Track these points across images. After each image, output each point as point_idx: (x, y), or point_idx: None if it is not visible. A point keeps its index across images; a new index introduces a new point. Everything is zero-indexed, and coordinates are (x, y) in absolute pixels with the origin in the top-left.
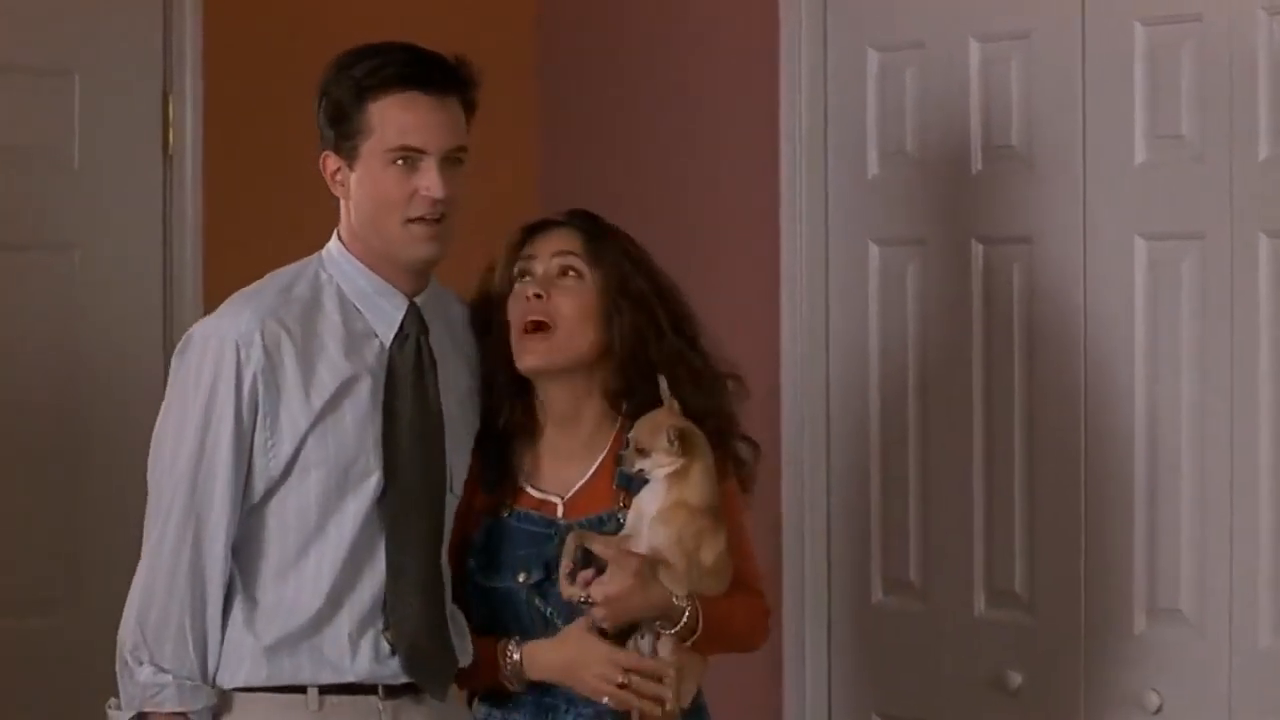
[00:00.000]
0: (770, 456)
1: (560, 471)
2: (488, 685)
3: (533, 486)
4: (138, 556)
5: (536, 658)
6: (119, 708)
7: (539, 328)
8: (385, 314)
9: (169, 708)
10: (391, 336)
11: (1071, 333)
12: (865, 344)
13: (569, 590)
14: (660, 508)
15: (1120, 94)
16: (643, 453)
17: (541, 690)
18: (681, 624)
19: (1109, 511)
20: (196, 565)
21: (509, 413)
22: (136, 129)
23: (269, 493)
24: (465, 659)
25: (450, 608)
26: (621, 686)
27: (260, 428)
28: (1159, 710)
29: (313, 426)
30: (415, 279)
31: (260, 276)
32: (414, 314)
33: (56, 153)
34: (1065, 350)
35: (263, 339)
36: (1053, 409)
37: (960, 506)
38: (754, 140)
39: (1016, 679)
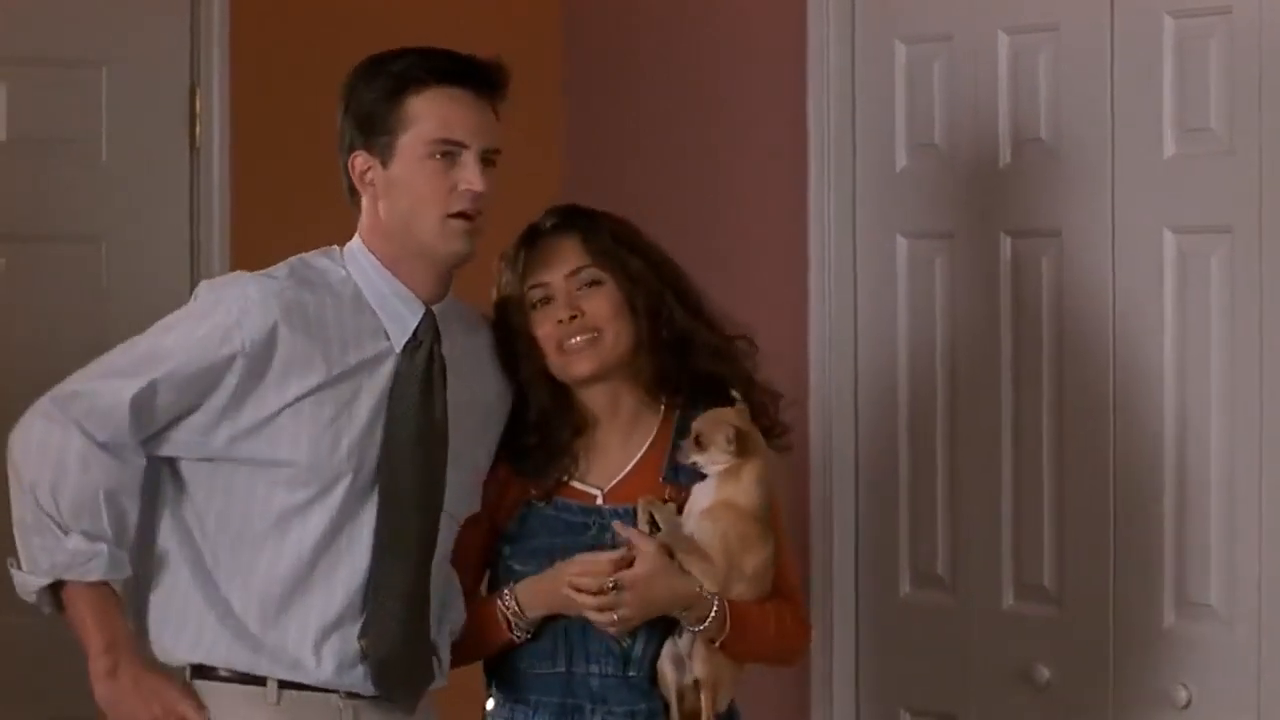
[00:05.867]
0: (798, 451)
1: (602, 464)
2: (499, 645)
3: (575, 480)
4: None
5: (529, 590)
6: (20, 569)
7: (590, 344)
8: (400, 318)
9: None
10: (404, 342)
11: (1100, 326)
12: (893, 338)
13: (597, 566)
14: (708, 505)
15: (1149, 87)
16: (700, 446)
17: (565, 691)
18: (709, 620)
19: (1138, 505)
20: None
21: (548, 415)
22: (164, 122)
23: (221, 460)
24: (442, 679)
25: (439, 624)
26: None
27: (224, 393)
28: (1188, 705)
29: (280, 413)
30: (436, 286)
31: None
32: (429, 321)
33: (84, 145)
34: (1094, 344)
35: (264, 319)
36: (1081, 402)
37: (989, 500)
38: (782, 134)
39: (1045, 673)
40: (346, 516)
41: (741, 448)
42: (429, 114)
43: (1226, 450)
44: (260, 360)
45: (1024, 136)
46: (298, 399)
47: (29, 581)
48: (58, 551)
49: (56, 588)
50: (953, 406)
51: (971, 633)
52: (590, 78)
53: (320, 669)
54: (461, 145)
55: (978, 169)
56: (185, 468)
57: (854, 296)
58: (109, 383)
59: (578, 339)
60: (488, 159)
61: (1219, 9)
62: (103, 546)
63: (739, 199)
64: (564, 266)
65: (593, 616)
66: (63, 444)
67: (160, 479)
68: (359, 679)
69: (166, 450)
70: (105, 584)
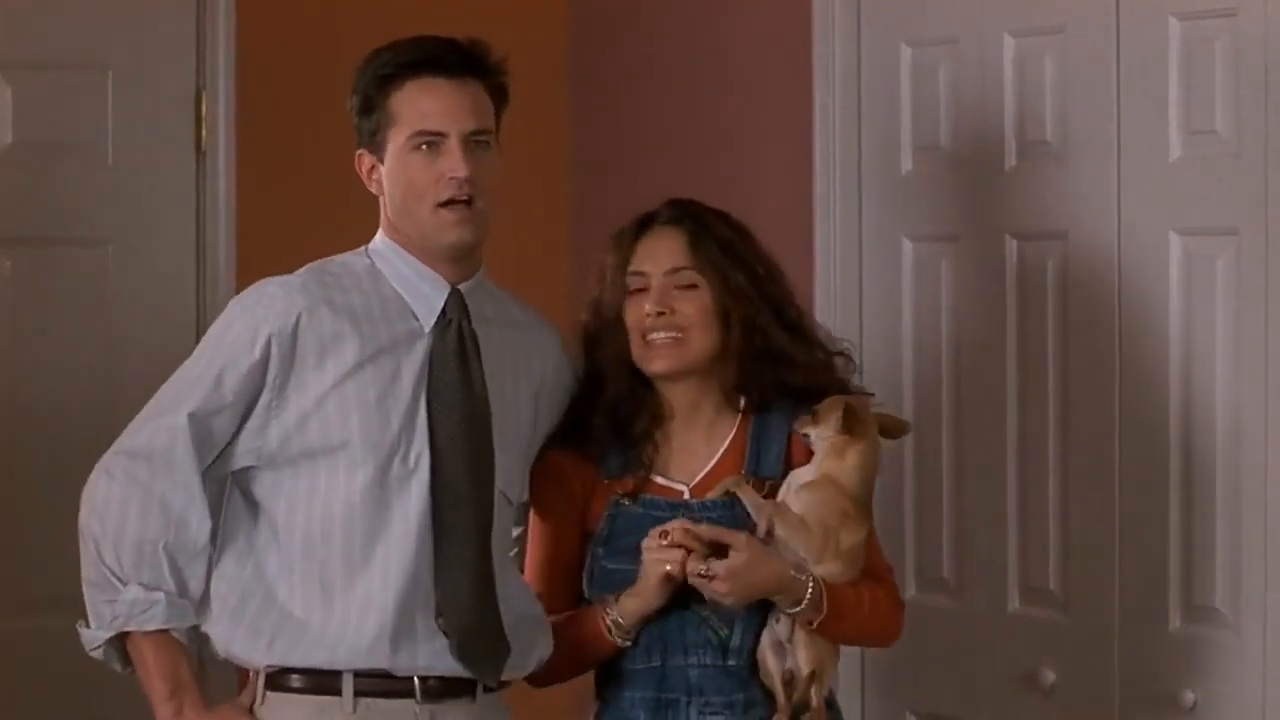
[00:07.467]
0: None
1: (685, 461)
2: (603, 655)
3: (660, 476)
4: None
5: (625, 603)
6: (89, 626)
7: (674, 343)
8: (426, 298)
9: (155, 625)
10: (433, 322)
11: (1106, 329)
12: (899, 340)
13: (693, 566)
14: (810, 479)
15: (1155, 89)
16: (815, 420)
17: (660, 686)
18: (806, 601)
19: (1144, 508)
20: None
21: (625, 401)
22: (170, 125)
23: (274, 460)
24: (543, 650)
25: (526, 606)
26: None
27: (268, 389)
28: (1193, 708)
29: (325, 399)
30: (457, 267)
31: (292, 272)
32: (456, 299)
33: (90, 149)
34: (1099, 346)
35: (289, 309)
36: (1087, 405)
37: (994, 503)
38: (787, 136)
39: (1050, 676)
40: (402, 496)
41: (848, 425)
42: (406, 108)
43: (1232, 453)
44: (290, 345)
45: (1029, 139)
46: (338, 381)
47: (93, 637)
48: (117, 604)
49: (124, 644)
50: (958, 409)
51: (977, 636)
52: (596, 79)
53: (399, 655)
54: (440, 135)
55: (983, 171)
56: (257, 489)
57: (859, 299)
58: (161, 422)
59: (662, 335)
60: (477, 141)
61: (1224, 11)
62: (160, 595)
63: (744, 201)
64: (666, 263)
65: (693, 575)
66: (123, 498)
67: (233, 510)
68: (440, 658)
69: (233, 464)
70: (166, 632)
